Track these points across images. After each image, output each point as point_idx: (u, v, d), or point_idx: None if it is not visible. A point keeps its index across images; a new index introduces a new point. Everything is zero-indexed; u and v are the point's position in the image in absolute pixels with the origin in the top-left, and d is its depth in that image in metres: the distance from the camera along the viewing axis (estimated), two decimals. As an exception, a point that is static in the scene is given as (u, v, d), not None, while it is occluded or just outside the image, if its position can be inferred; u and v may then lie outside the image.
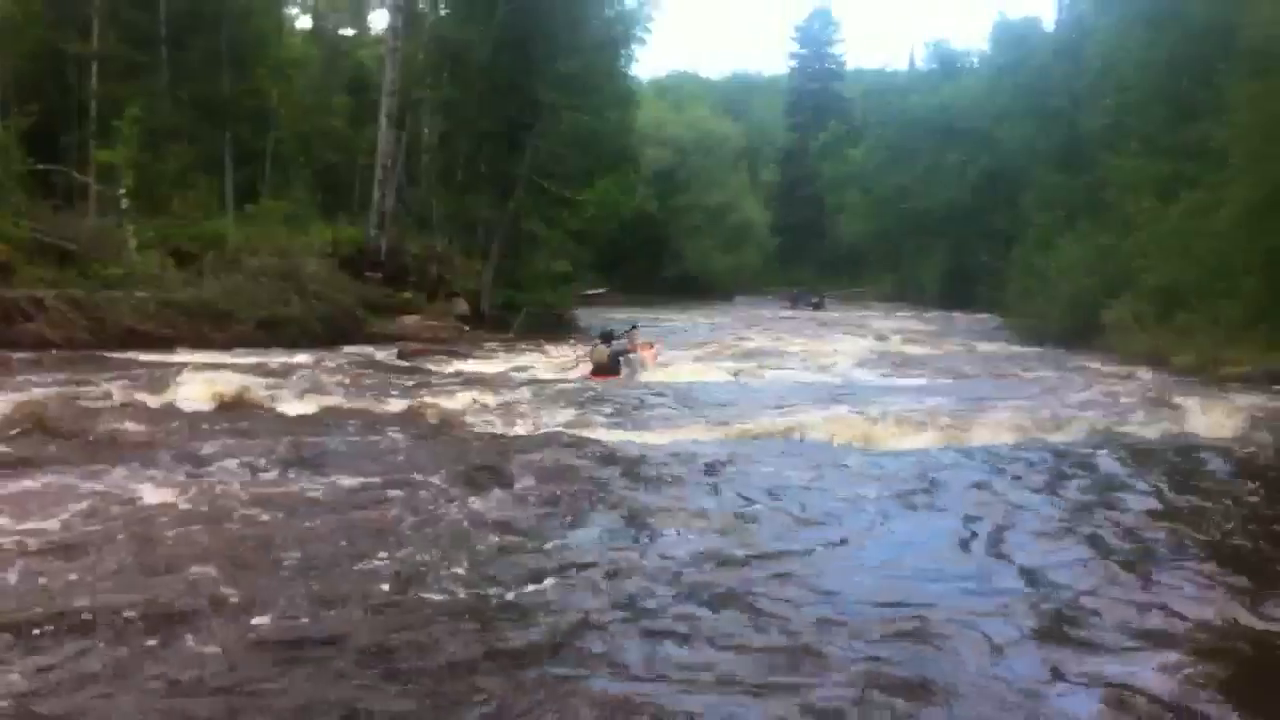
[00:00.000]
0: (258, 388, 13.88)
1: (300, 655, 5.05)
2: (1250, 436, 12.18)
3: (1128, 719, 4.63)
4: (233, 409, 12.54)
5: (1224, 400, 14.83)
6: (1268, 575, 6.89)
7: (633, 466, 9.80)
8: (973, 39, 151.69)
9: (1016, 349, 28.66)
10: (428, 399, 13.66)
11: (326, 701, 4.55)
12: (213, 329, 21.90)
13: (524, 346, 24.60)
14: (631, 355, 19.69)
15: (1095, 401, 15.04)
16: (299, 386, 14.57)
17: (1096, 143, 34.27)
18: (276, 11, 36.72)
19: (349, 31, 45.42)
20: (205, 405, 12.57)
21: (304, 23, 43.58)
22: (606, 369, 18.56)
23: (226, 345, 20.98)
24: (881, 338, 33.14)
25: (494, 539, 7.13)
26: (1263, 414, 13.33)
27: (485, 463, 9.69)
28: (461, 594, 5.99)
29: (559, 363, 20.78)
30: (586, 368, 18.98)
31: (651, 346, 21.23)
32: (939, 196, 59.39)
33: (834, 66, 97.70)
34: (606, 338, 19.71)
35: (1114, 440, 11.79)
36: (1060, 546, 7.48)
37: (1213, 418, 13.10)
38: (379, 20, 41.38)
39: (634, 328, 22.20)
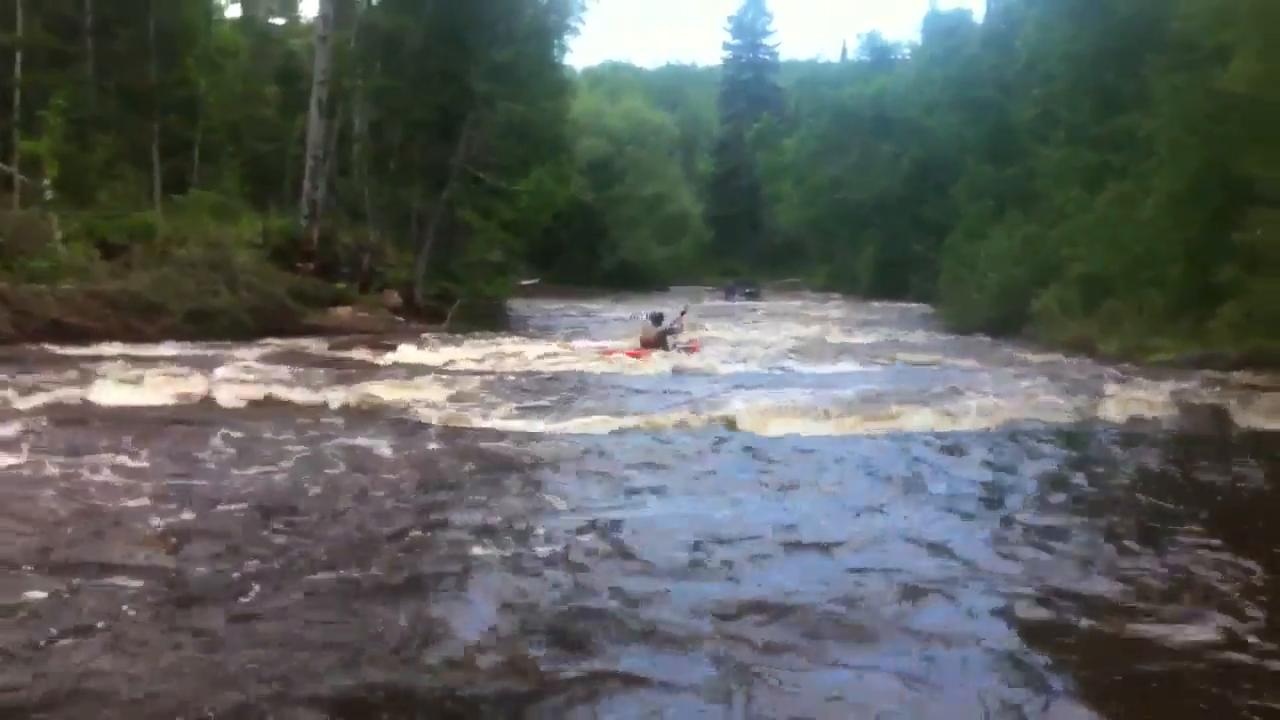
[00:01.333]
0: (184, 380, 13.69)
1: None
2: (1169, 420, 12.44)
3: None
4: (158, 402, 12.36)
5: (1146, 386, 15.07)
6: (1164, 547, 7.14)
7: (535, 456, 9.88)
8: (905, 30, 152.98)
9: (947, 337, 28.94)
10: (354, 390, 13.55)
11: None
12: (141, 321, 21.52)
13: (457, 338, 24.44)
14: (679, 337, 21.53)
15: (1018, 388, 15.23)
16: (226, 378, 14.38)
17: (1025, 133, 34.71)
18: (205, 0, 36.15)
19: (279, 20, 44.86)
20: (129, 399, 12.38)
21: (234, 11, 43.00)
22: (654, 344, 20.58)
23: (155, 338, 20.62)
24: (815, 327, 33.33)
25: (389, 527, 7.17)
26: (1183, 399, 13.56)
27: (403, 453, 9.72)
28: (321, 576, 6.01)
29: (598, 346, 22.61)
30: (630, 344, 21.15)
31: (696, 339, 22.82)
32: (872, 187, 59.86)
33: (768, 57, 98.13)
34: (657, 319, 22.02)
35: (1033, 425, 12.01)
36: (965, 524, 7.69)
37: (1134, 403, 13.34)
38: (310, 8, 41.01)
39: (684, 312, 24.31)
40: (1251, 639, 5.42)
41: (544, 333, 28.45)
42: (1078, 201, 27.08)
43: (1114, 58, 27.10)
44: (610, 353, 20.43)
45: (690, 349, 21.48)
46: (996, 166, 38.27)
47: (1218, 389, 14.76)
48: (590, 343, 24.50)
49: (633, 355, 19.93)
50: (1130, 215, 23.71)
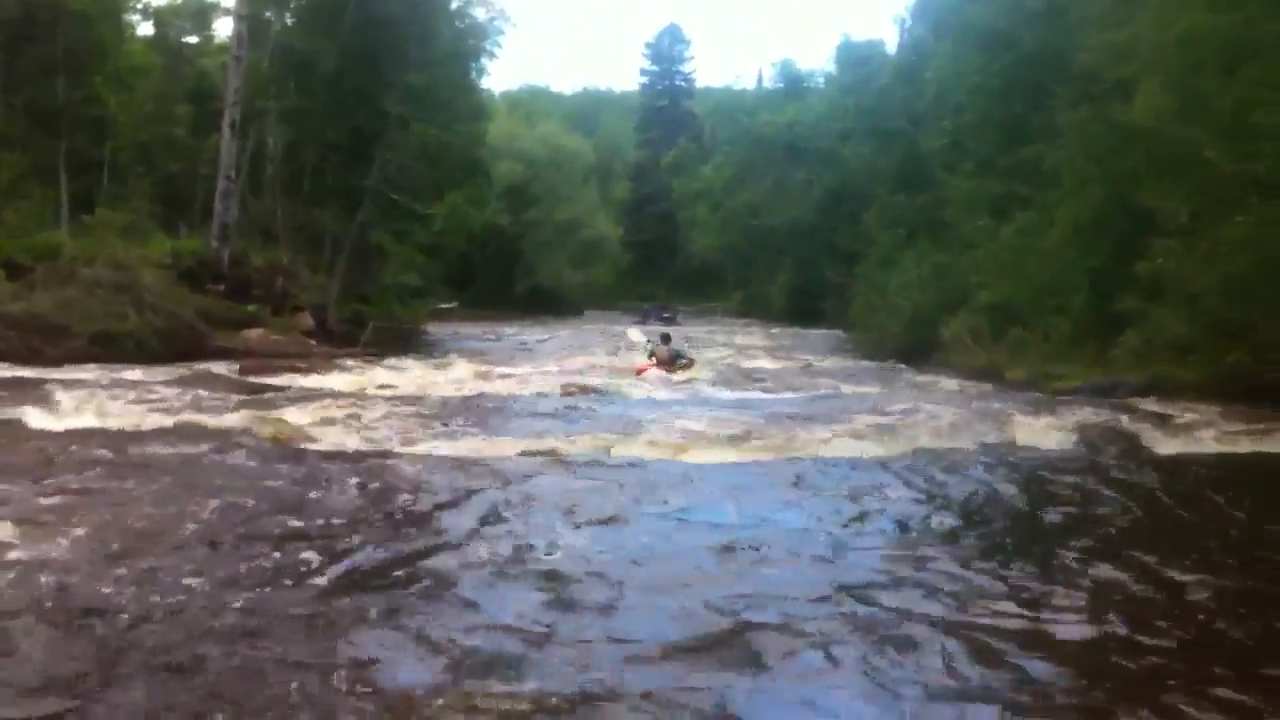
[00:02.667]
0: (88, 404, 13.42)
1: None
2: (1068, 446, 12.70)
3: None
4: (59, 427, 12.07)
5: (1048, 413, 15.32)
6: (1057, 570, 7.23)
7: (443, 483, 9.80)
8: (819, 59, 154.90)
9: (858, 364, 29.23)
10: (261, 414, 13.34)
11: None
12: (44, 343, 21.07)
13: (371, 361, 24.23)
14: (684, 358, 24.51)
15: (923, 415, 15.39)
16: (132, 402, 14.10)
17: (935, 163, 35.23)
18: (116, 18, 35.55)
19: (192, 39, 44.26)
20: (31, 422, 12.10)
21: (146, 29, 42.30)
22: (667, 363, 23.63)
23: (58, 360, 20.18)
24: (729, 352, 33.54)
25: (296, 557, 7.05)
26: (1085, 426, 13.81)
27: (306, 478, 9.59)
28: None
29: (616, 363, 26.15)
30: (643, 361, 24.29)
31: (693, 360, 25.29)
32: (785, 214, 60.45)
33: (684, 84, 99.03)
34: (666, 338, 26.21)
35: (937, 452, 12.14)
36: (867, 550, 7.73)
37: (1034, 429, 13.58)
38: (223, 28, 40.46)
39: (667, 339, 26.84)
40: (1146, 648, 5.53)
41: (461, 357, 28.24)
42: (985, 231, 27.51)
43: (1021, 90, 27.64)
44: (641, 369, 23.37)
45: (689, 364, 24.46)
46: (907, 195, 38.80)
47: (1119, 415, 15.03)
48: (615, 360, 27.86)
49: (656, 369, 23.15)
50: (1035, 245, 24.14)
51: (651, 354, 24.48)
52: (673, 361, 23.90)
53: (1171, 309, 18.35)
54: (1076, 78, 23.10)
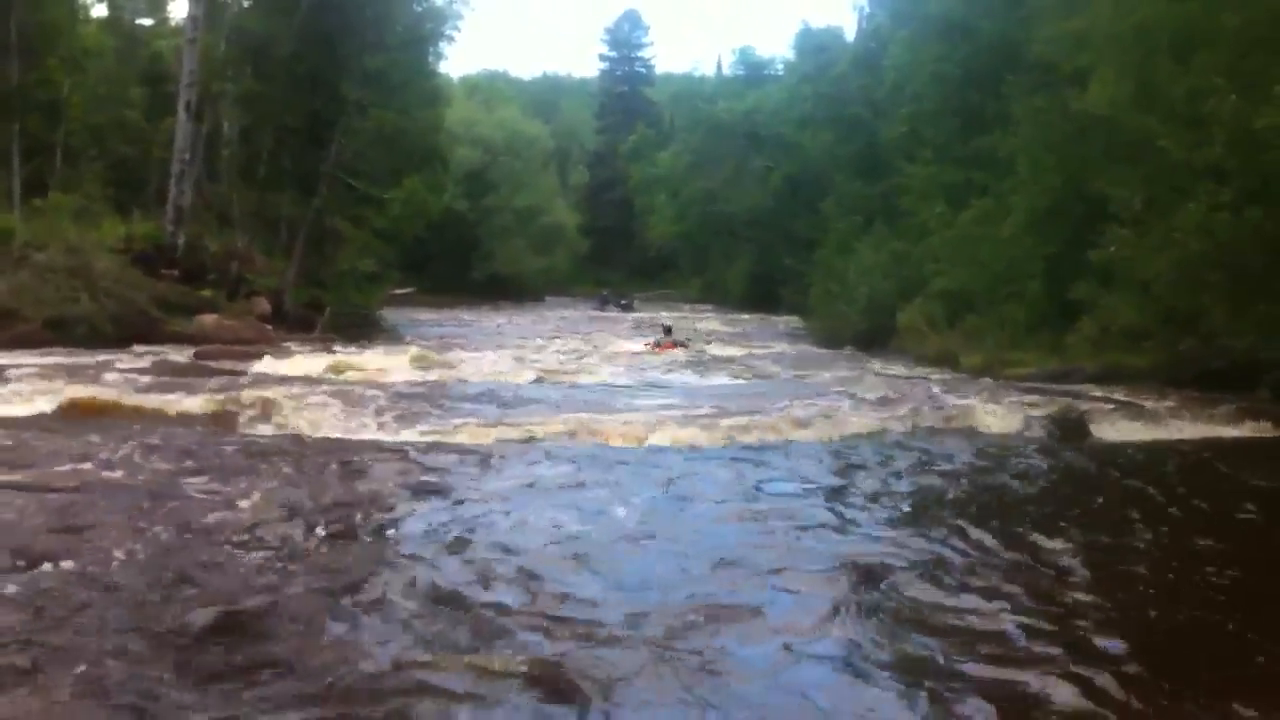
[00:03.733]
0: (40, 389, 13.27)
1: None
2: (1017, 432, 12.86)
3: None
4: (10, 413, 11.93)
5: (1002, 399, 15.46)
6: (987, 549, 7.37)
7: (402, 467, 9.79)
8: (778, 47, 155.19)
9: (815, 350, 29.40)
10: (215, 399, 13.21)
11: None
12: (-4, 327, 20.82)
13: (328, 347, 24.07)
14: (682, 343, 29.40)
15: (874, 401, 15.51)
16: (85, 387, 13.93)
17: (893, 151, 35.49)
18: (70, 0, 35.14)
19: (147, 21, 43.81)
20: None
21: (100, 11, 41.83)
22: (671, 346, 28.47)
23: (10, 345, 19.88)
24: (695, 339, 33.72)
25: (240, 540, 7.05)
26: (1033, 412, 13.96)
27: (257, 465, 9.52)
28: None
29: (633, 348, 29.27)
30: (658, 344, 28.94)
31: (689, 343, 30.44)
32: (744, 201, 60.57)
33: (643, 70, 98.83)
34: (669, 330, 31.63)
35: (878, 437, 12.29)
36: (812, 530, 7.80)
37: (988, 415, 13.73)
38: (178, 10, 40.08)
39: (669, 329, 32.21)
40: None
41: (420, 342, 28.13)
42: (942, 218, 27.72)
43: (978, 79, 27.87)
44: (662, 348, 28.16)
45: (685, 346, 29.24)
46: (865, 183, 39.07)
47: (1070, 401, 15.19)
48: (629, 344, 30.42)
49: (664, 349, 28.01)
50: (992, 232, 24.36)
51: (658, 342, 29.21)
52: (675, 345, 28.90)
53: (1124, 296, 18.57)
54: (1033, 67, 23.32)
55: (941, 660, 5.25)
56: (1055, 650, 5.39)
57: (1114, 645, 5.49)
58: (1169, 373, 17.44)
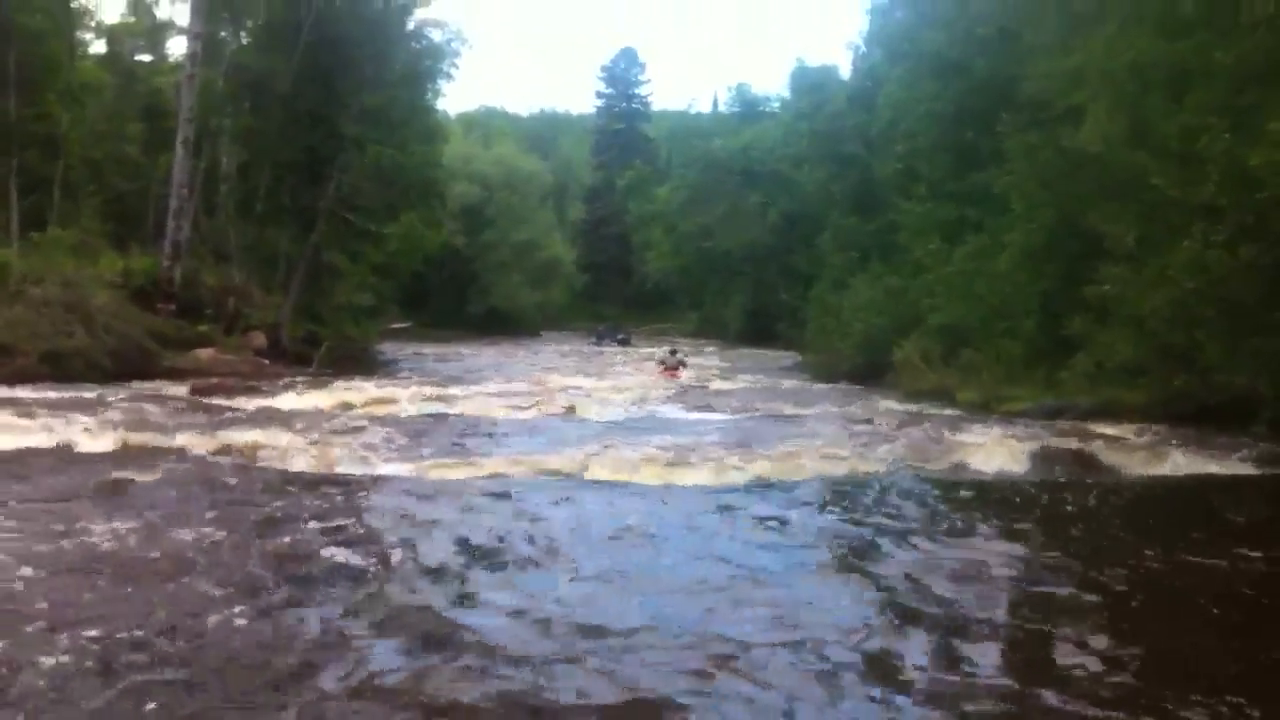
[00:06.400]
0: (37, 424, 13.27)
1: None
2: (1014, 469, 12.84)
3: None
4: (6, 446, 11.92)
5: (998, 435, 15.44)
6: (982, 587, 7.37)
7: (398, 503, 9.83)
8: (774, 84, 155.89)
9: (811, 385, 29.36)
10: (210, 436, 13.21)
11: None
12: (-8, 361, 20.80)
13: (325, 381, 24.06)
14: (687, 366, 34.73)
15: (871, 437, 15.49)
16: (81, 422, 13.91)
17: (888, 187, 35.60)
18: (69, 35, 35.26)
19: (146, 57, 43.98)
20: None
21: (99, 47, 41.98)
22: (674, 369, 33.50)
23: (7, 380, 19.84)
24: (693, 373, 33.84)
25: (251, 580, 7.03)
26: (1029, 448, 13.94)
27: (257, 502, 9.51)
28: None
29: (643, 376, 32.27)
30: (664, 369, 33.87)
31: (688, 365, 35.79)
32: (740, 237, 60.69)
33: (640, 106, 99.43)
34: (673, 353, 37.18)
35: (889, 473, 12.24)
36: (820, 578, 7.77)
37: (983, 451, 13.70)
38: (177, 46, 40.24)
39: (674, 351, 38.56)
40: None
41: (415, 376, 28.15)
42: (937, 254, 27.76)
43: (973, 116, 27.94)
44: (669, 372, 32.99)
45: (685, 366, 34.78)
46: (861, 219, 39.13)
47: (1066, 438, 15.19)
48: (629, 379, 31.45)
49: (670, 374, 32.56)
50: (987, 268, 24.40)
51: (664, 364, 34.45)
52: (678, 368, 33.68)
53: (1119, 332, 18.58)
54: (1026, 104, 23.40)
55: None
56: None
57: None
58: (1165, 408, 17.41)
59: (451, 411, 18.94)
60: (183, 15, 35.29)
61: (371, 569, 7.46)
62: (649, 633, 6.14)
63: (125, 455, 11.86)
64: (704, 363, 41.21)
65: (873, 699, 5.26)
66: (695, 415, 20.00)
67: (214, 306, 28.40)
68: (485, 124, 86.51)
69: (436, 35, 36.87)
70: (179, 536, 8.05)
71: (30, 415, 14.10)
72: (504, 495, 10.28)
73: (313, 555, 7.73)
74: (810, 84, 55.88)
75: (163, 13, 43.31)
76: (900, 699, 5.26)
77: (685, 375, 32.93)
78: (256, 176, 31.68)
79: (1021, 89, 23.44)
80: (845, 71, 55.71)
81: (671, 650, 5.83)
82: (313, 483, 10.69)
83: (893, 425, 17.05)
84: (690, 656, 5.72)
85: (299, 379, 24.44)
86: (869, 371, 29.08)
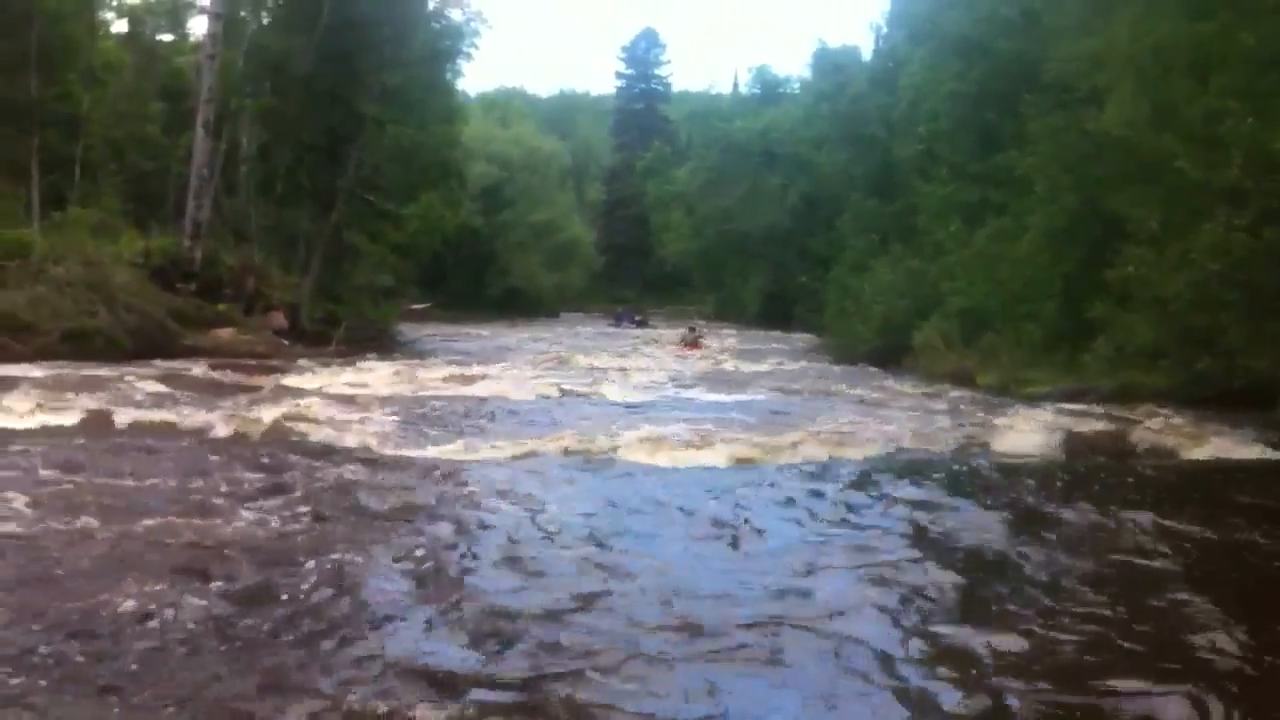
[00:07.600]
0: (58, 402, 13.37)
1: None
2: (1033, 451, 12.83)
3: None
4: (29, 425, 12.02)
5: (1020, 418, 15.42)
6: (1008, 573, 7.36)
7: (420, 482, 9.90)
8: (794, 65, 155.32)
9: (831, 368, 29.32)
10: (230, 414, 13.28)
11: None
12: (14, 341, 20.92)
13: (344, 361, 24.14)
14: (705, 343, 38.78)
15: (892, 419, 15.49)
16: (103, 400, 14.03)
17: (909, 170, 35.46)
18: (90, 15, 35.27)
19: (166, 37, 43.98)
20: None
21: (120, 27, 41.99)
22: (694, 345, 36.98)
23: (29, 358, 20.03)
24: (703, 356, 33.80)
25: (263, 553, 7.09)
26: (1050, 432, 13.92)
27: (273, 479, 9.58)
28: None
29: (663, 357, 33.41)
30: (686, 345, 37.28)
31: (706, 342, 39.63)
32: (760, 219, 60.44)
33: (659, 88, 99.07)
34: (693, 329, 41.40)
35: (909, 456, 12.27)
36: (834, 552, 7.81)
37: (1006, 434, 13.70)
38: (198, 26, 40.22)
39: (693, 328, 42.29)
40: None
41: (434, 357, 28.21)
42: (958, 237, 27.69)
43: (995, 98, 27.83)
44: (689, 347, 36.60)
45: (703, 342, 38.94)
46: (881, 201, 39.00)
47: (1086, 421, 15.17)
48: (649, 359, 31.71)
49: (690, 349, 35.91)
50: (1008, 251, 24.31)
51: (685, 340, 38.63)
52: (698, 345, 37.35)
53: (1141, 316, 18.51)
54: (1049, 86, 23.30)
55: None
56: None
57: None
58: (1186, 392, 17.35)
59: (471, 392, 18.99)
60: (204, -5, 35.33)
61: (420, 549, 7.47)
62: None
63: (147, 431, 11.96)
64: (723, 345, 41.25)
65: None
66: (721, 396, 19.99)
67: (234, 286, 28.46)
68: (504, 105, 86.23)
69: (456, 15, 36.90)
70: (204, 509, 8.12)
71: (51, 393, 14.20)
72: (537, 473, 10.38)
73: (354, 533, 7.78)
74: (832, 65, 55.58)
75: (184, -8, 43.30)
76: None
77: (704, 348, 36.71)
78: (277, 157, 31.71)
79: (1044, 71, 23.34)
80: (867, 53, 55.54)
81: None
82: (337, 460, 10.74)
83: (909, 408, 17.08)
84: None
85: (318, 359, 24.52)
86: (888, 354, 29.02)
